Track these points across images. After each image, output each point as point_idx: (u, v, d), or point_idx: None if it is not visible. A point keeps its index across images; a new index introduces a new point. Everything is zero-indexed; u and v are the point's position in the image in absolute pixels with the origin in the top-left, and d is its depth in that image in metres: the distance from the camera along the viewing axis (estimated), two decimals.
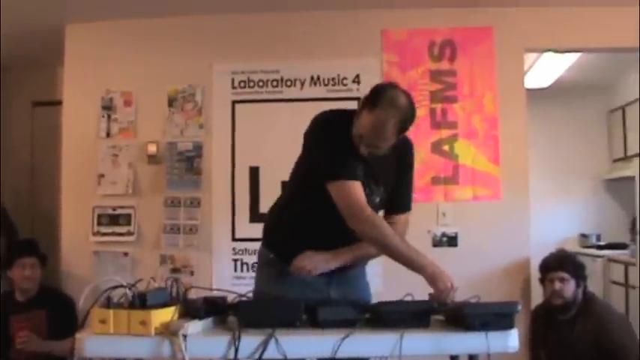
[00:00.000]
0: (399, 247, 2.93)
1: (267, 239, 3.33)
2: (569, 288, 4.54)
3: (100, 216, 5.64)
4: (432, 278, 2.84)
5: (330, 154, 2.99)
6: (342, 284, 3.13)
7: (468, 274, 5.16)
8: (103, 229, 5.63)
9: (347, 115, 3.01)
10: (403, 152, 3.15)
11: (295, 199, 3.22)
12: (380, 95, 2.87)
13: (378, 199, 3.10)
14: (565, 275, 4.55)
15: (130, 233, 5.60)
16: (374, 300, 3.06)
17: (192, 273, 5.48)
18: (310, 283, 3.07)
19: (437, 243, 5.42)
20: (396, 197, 3.19)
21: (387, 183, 3.12)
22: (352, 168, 2.97)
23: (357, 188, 2.95)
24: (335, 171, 2.95)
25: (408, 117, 2.89)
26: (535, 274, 4.95)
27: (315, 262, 3.04)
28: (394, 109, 2.84)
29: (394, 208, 3.23)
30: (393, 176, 3.15)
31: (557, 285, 4.54)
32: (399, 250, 2.92)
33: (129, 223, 5.61)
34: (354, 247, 3.12)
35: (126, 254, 5.58)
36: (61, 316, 4.66)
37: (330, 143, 2.99)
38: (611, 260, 6.73)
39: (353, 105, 5.32)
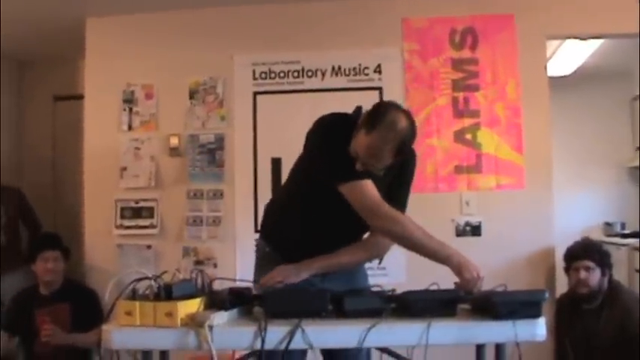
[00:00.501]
0: (423, 239, 2.91)
1: (265, 232, 3.37)
2: (594, 277, 4.51)
3: (122, 209, 5.66)
4: (458, 268, 2.82)
5: (339, 155, 2.96)
6: (335, 280, 3.09)
7: (491, 264, 5.12)
8: (126, 222, 5.64)
9: (350, 121, 2.99)
10: (404, 162, 3.08)
11: (295, 197, 3.22)
12: (379, 117, 2.85)
13: None
14: (590, 264, 4.52)
15: (152, 226, 5.61)
16: (398, 291, 3.04)
17: (215, 265, 5.49)
18: (307, 281, 3.05)
19: (460, 232, 5.40)
20: (389, 197, 3.04)
21: (382, 189, 3.03)
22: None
23: (370, 186, 2.93)
24: (346, 172, 2.93)
25: (406, 140, 2.88)
26: (560, 263, 4.92)
27: (286, 273, 3.01)
28: (392, 133, 2.82)
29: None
30: (391, 180, 3.09)
31: (583, 274, 4.52)
32: (422, 242, 2.91)
33: (152, 216, 5.63)
34: (328, 255, 3.09)
35: (149, 247, 5.60)
36: (85, 309, 4.68)
37: (338, 145, 2.97)
38: (635, 249, 6.67)
39: (374, 95, 5.38)
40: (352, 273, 3.27)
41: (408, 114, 2.92)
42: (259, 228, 5.40)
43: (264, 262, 3.26)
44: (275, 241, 3.24)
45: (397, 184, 3.12)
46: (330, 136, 3.02)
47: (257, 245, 3.39)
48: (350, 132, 2.94)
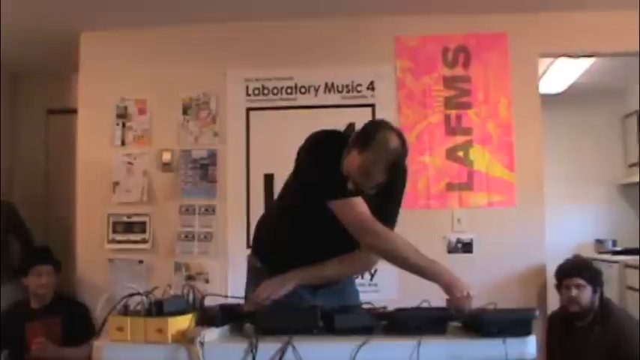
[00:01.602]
0: (413, 258, 2.91)
1: (255, 248, 3.38)
2: (585, 295, 4.52)
3: (114, 224, 5.66)
4: (448, 287, 2.82)
5: (330, 172, 2.95)
6: (326, 295, 3.09)
7: (483, 281, 5.13)
8: (118, 237, 5.64)
9: (342, 138, 2.98)
10: (396, 176, 3.03)
11: (286, 212, 3.23)
12: (371, 137, 2.84)
13: None
14: (581, 282, 4.53)
15: (144, 241, 5.61)
16: (390, 307, 3.04)
17: (207, 281, 5.49)
18: (295, 293, 3.04)
19: (452, 249, 5.41)
20: (376, 210, 3.00)
21: (374, 204, 3.01)
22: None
23: (360, 204, 2.91)
24: (336, 189, 2.92)
25: (398, 159, 2.87)
26: (551, 280, 4.93)
27: (271, 287, 3.00)
28: (385, 153, 2.81)
29: None
30: (381, 195, 3.04)
31: (574, 291, 4.52)
32: (412, 261, 2.91)
33: (144, 231, 5.63)
34: (314, 267, 3.09)
35: (141, 262, 5.60)
36: (76, 323, 4.68)
37: (328, 162, 2.96)
38: (627, 266, 6.68)
39: (367, 112, 5.39)
40: (344, 290, 3.28)
41: (399, 133, 2.90)
42: (250, 243, 5.44)
43: (255, 278, 3.25)
44: (265, 257, 3.24)
45: (387, 200, 3.09)
46: (321, 153, 3.01)
47: (248, 261, 3.39)
48: (341, 149, 2.93)
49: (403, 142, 2.89)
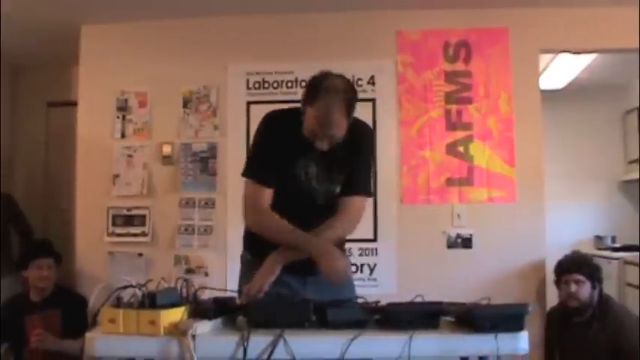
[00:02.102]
0: (288, 234, 3.01)
1: (244, 242, 3.38)
2: (584, 290, 4.51)
3: (114, 217, 5.67)
4: (317, 257, 2.91)
5: (256, 153, 3.15)
6: (316, 284, 3.08)
7: (482, 276, 5.20)
8: (118, 230, 5.65)
9: (296, 114, 3.05)
10: (356, 137, 3.13)
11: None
12: (316, 87, 2.91)
13: (338, 188, 3.13)
14: (580, 277, 4.52)
15: (144, 234, 5.62)
16: (386, 302, 3.04)
17: (206, 274, 5.50)
18: (286, 283, 3.04)
19: (451, 244, 5.41)
20: (346, 179, 3.14)
21: (346, 171, 3.12)
22: (267, 171, 3.07)
23: (260, 191, 3.07)
24: (249, 170, 3.13)
25: (349, 96, 2.93)
26: (550, 275, 4.92)
27: (262, 276, 2.99)
28: (333, 94, 2.88)
29: (344, 190, 3.16)
30: (351, 162, 3.14)
31: (573, 287, 4.52)
32: (287, 236, 3.02)
33: (143, 224, 5.63)
34: (276, 251, 3.07)
35: (140, 255, 5.61)
36: (75, 315, 4.67)
37: (262, 144, 3.12)
38: (626, 262, 6.67)
39: (368, 107, 5.40)
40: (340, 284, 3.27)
41: (340, 75, 2.97)
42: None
43: (247, 272, 3.26)
44: (255, 249, 3.24)
45: (356, 166, 3.16)
46: (262, 134, 3.14)
47: (241, 257, 3.40)
48: (295, 125, 3.01)
49: (349, 81, 2.97)
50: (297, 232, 2.99)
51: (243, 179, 3.14)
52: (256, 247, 3.19)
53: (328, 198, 3.12)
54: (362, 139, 3.20)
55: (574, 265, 4.63)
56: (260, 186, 3.08)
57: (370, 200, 5.38)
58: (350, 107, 2.92)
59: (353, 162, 3.14)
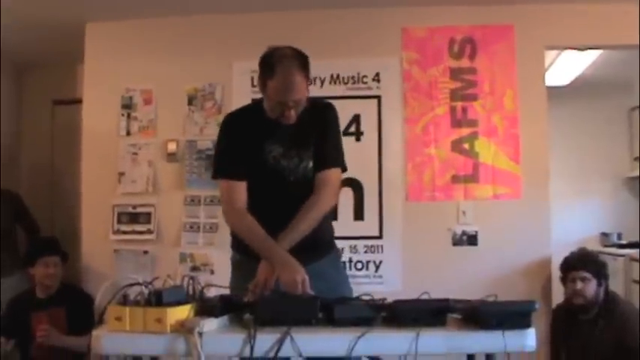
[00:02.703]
0: (258, 239, 3.08)
1: (231, 242, 3.43)
2: (590, 287, 4.50)
3: (120, 214, 5.67)
4: (277, 268, 2.96)
5: (220, 152, 3.28)
6: (312, 277, 3.02)
7: (488, 273, 5.19)
8: (123, 228, 5.65)
9: (252, 106, 3.29)
10: (323, 115, 3.25)
11: (249, 203, 3.28)
12: (269, 61, 3.02)
13: (310, 163, 3.19)
14: (586, 275, 4.51)
15: (149, 231, 5.62)
16: (391, 299, 3.04)
17: (212, 271, 5.49)
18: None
19: (457, 242, 5.40)
20: (317, 155, 3.21)
21: (313, 144, 3.19)
22: (235, 165, 3.16)
23: (232, 187, 3.17)
24: (217, 169, 3.25)
25: (303, 59, 3.03)
26: (556, 273, 4.91)
27: (260, 279, 2.99)
28: (287, 60, 2.99)
29: (317, 166, 3.22)
30: (316, 138, 3.20)
31: (579, 284, 4.51)
32: (255, 242, 3.09)
33: (149, 222, 5.64)
34: (288, 230, 3.09)
35: (146, 252, 5.61)
36: (81, 313, 4.68)
37: (224, 142, 3.25)
38: (632, 259, 6.66)
39: (373, 104, 5.39)
40: (327, 271, 3.28)
41: (287, 46, 3.09)
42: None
43: (236, 271, 3.39)
44: (241, 248, 3.26)
45: (325, 141, 3.24)
46: (221, 135, 3.28)
47: (230, 259, 3.47)
48: (254, 115, 3.17)
49: (296, 48, 3.08)
50: (264, 241, 3.06)
51: (219, 180, 3.25)
52: (243, 244, 3.21)
53: (301, 174, 3.18)
54: (326, 114, 3.28)
55: (580, 262, 4.62)
56: (232, 181, 3.18)
57: (376, 197, 5.41)
58: (306, 69, 3.03)
59: (320, 137, 3.21)
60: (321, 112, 3.24)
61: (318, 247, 3.26)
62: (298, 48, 3.08)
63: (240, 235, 3.18)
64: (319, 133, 3.21)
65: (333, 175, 3.25)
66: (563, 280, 4.69)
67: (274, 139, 3.14)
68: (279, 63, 2.97)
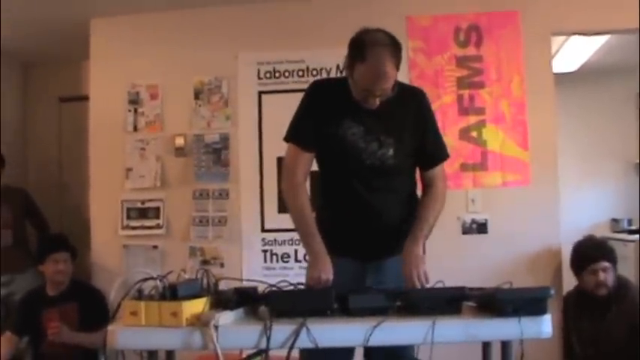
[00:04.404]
0: (299, 222, 3.09)
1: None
2: (611, 276, 4.50)
3: (128, 209, 5.68)
4: (311, 261, 3.01)
5: (297, 117, 3.21)
6: (377, 272, 3.10)
7: (498, 261, 5.17)
8: (132, 223, 5.66)
9: (340, 80, 3.14)
10: (416, 102, 3.18)
11: (321, 182, 3.28)
12: (361, 44, 2.91)
13: (391, 151, 3.10)
14: (607, 264, 4.50)
15: (159, 226, 5.63)
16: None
17: (222, 265, 5.50)
18: (347, 272, 3.04)
19: (466, 230, 5.39)
20: (427, 152, 3.20)
21: (400, 133, 3.11)
22: (307, 134, 3.13)
23: (298, 156, 3.15)
24: (289, 133, 3.21)
25: (397, 46, 2.94)
26: (566, 260, 4.90)
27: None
28: (381, 47, 2.88)
29: (428, 162, 3.23)
30: (406, 128, 3.13)
31: (601, 275, 4.49)
32: (298, 224, 3.11)
33: (158, 217, 5.64)
34: (419, 226, 3.10)
35: (155, 247, 5.61)
36: (92, 309, 4.68)
37: (305, 107, 3.20)
38: None
39: None
40: (394, 266, 3.18)
41: (381, 29, 2.98)
42: (265, 227, 5.41)
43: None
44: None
45: (428, 134, 3.19)
46: (305, 99, 3.23)
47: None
48: (341, 90, 3.07)
49: (389, 33, 2.97)
50: (307, 227, 3.06)
51: (287, 143, 3.21)
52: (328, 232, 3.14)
53: (378, 159, 3.09)
54: (422, 101, 3.22)
55: (598, 252, 4.58)
56: (299, 149, 3.15)
57: None
58: (398, 57, 2.93)
59: (424, 128, 3.17)
60: (413, 98, 3.18)
61: (395, 242, 3.18)
62: (390, 33, 2.98)
63: (289, 209, 3.14)
64: (419, 122, 3.16)
65: (442, 171, 3.29)
66: (580, 271, 4.65)
67: (356, 118, 3.07)
68: (371, 49, 2.87)
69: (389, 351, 2.78)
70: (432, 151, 3.22)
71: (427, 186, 3.23)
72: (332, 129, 3.08)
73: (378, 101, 2.96)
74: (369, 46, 2.87)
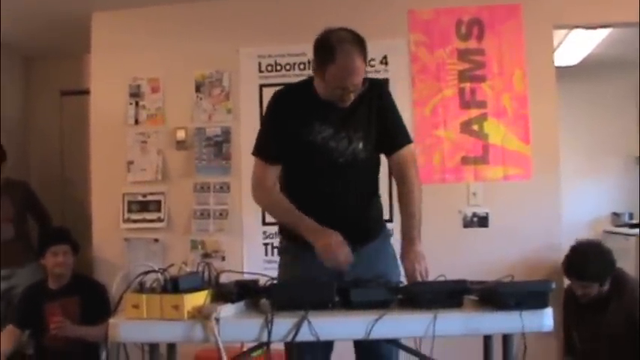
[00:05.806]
0: (286, 214, 3.14)
1: (279, 227, 3.42)
2: (592, 291, 4.46)
3: (130, 203, 5.68)
4: (312, 237, 2.98)
5: (262, 131, 3.26)
6: (362, 257, 3.07)
7: (499, 255, 5.17)
8: (134, 216, 5.66)
9: (302, 84, 3.20)
10: (377, 93, 3.21)
11: (284, 179, 3.29)
12: (329, 46, 2.93)
13: (361, 145, 3.15)
14: (585, 284, 4.46)
15: (160, 219, 5.63)
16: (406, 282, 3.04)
17: (223, 258, 5.51)
18: (319, 264, 2.99)
19: (467, 223, 5.40)
20: (388, 137, 3.23)
21: (366, 126, 3.17)
22: (273, 148, 3.17)
23: (265, 169, 3.19)
24: (255, 148, 3.24)
25: (362, 42, 2.98)
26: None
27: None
28: (349, 44, 2.93)
29: (392, 146, 3.25)
30: (370, 120, 3.18)
31: (579, 291, 4.49)
32: (285, 217, 3.18)
33: (159, 210, 5.64)
34: (409, 221, 3.15)
35: (156, 240, 5.62)
36: (94, 302, 4.68)
37: (270, 120, 3.23)
38: None
39: None
40: (379, 251, 3.31)
41: (341, 28, 3.02)
42: (266, 220, 5.42)
43: (285, 257, 3.34)
44: (287, 232, 3.26)
45: (387, 121, 3.23)
46: (269, 111, 3.26)
47: (278, 250, 3.48)
48: (303, 91, 3.14)
49: (352, 30, 3.01)
50: (292, 213, 3.08)
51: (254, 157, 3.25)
52: (291, 231, 3.18)
53: (350, 156, 3.14)
54: (380, 91, 3.27)
55: (577, 273, 4.52)
56: (265, 164, 3.19)
57: (385, 181, 5.38)
58: (365, 52, 2.98)
59: (383, 116, 3.21)
60: (374, 90, 3.19)
61: (371, 227, 3.30)
62: (353, 29, 3.02)
63: (268, 210, 3.26)
64: (379, 111, 3.20)
65: (410, 151, 3.29)
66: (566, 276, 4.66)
67: (325, 120, 3.11)
68: (340, 47, 2.91)
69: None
70: (394, 134, 3.24)
71: (400, 177, 3.25)
72: (302, 137, 3.12)
73: (352, 96, 3.01)
74: (337, 46, 2.91)
